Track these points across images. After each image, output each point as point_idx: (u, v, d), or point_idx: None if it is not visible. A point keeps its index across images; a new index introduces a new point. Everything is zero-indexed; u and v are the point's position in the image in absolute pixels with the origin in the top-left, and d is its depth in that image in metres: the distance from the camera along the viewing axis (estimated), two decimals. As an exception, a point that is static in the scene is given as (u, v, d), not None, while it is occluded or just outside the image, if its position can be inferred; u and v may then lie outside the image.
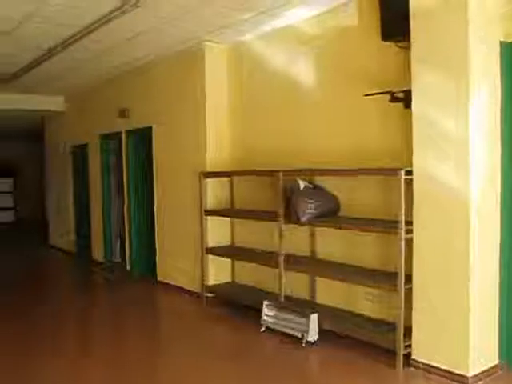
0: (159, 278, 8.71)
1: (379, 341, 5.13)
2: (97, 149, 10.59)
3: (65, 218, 12.35)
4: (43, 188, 20.44)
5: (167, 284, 8.47)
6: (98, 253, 10.85)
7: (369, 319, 5.60)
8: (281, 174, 6.00)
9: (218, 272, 7.59)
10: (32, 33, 6.78)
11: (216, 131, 7.54)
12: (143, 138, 9.08)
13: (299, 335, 5.67)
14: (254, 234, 7.24)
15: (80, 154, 11.35)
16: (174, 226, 8.30)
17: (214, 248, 7.42)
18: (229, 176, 7.51)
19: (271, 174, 6.22)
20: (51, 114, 12.54)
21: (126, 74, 9.28)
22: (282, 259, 6.08)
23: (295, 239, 6.30)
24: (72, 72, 9.29)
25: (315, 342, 5.61)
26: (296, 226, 5.92)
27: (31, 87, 10.71)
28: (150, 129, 8.71)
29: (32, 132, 16.71)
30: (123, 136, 9.54)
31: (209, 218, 7.39)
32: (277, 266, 6.15)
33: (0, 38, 6.97)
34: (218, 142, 7.56)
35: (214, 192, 7.51)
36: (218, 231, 7.56)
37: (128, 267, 9.66)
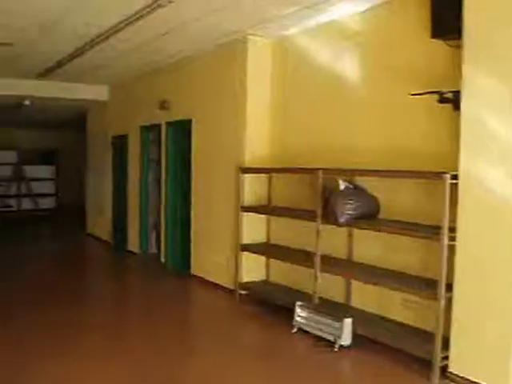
0: (193, 272, 8.65)
1: (415, 350, 4.94)
2: (137, 140, 10.59)
3: (102, 207, 12.41)
4: (83, 176, 20.70)
5: (201, 278, 8.40)
6: (133, 244, 10.86)
7: (405, 326, 5.42)
8: (320, 172, 5.85)
9: (252, 269, 7.47)
10: (75, 21, 6.78)
11: (256, 127, 7.42)
12: (183, 130, 9.02)
13: (332, 339, 5.52)
14: (289, 233, 7.11)
15: (120, 144, 11.37)
16: (209, 221, 8.22)
17: (249, 245, 7.30)
18: (267, 172, 7.37)
19: (311, 172, 6.08)
20: (94, 103, 12.61)
21: (168, 65, 9.24)
22: (318, 260, 5.93)
23: (332, 240, 6.14)
24: (115, 61, 9.29)
25: (348, 346, 5.46)
26: (333, 226, 5.76)
27: (76, 76, 10.78)
28: (189, 121, 8.64)
29: (75, 121, 16.87)
30: (163, 128, 9.51)
31: (245, 214, 7.27)
32: (312, 266, 6.01)
33: (44, 26, 7.01)
34: (258, 138, 7.43)
35: (252, 188, 7.38)
36: (253, 228, 7.44)
37: (163, 259, 9.62)
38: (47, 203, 17.73)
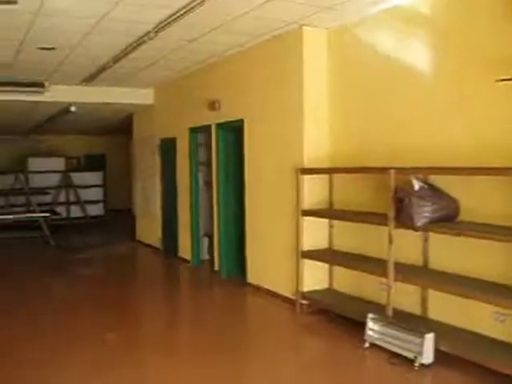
0: (249, 280, 8.19)
1: (509, 369, 4.36)
2: (185, 142, 10.20)
3: (151, 213, 12.09)
4: (131, 182, 20.58)
5: (258, 287, 7.94)
6: (185, 250, 10.47)
7: (496, 342, 4.83)
8: (392, 171, 5.31)
9: (314, 277, 6.96)
10: (118, 20, 6.43)
11: (314, 124, 6.92)
12: (234, 131, 8.62)
13: (411, 356, 4.97)
14: (354, 238, 6.59)
15: (168, 147, 11.01)
16: (266, 226, 7.75)
17: (310, 251, 6.80)
18: (328, 173, 6.86)
19: (381, 171, 5.54)
20: (140, 107, 12.33)
21: (216, 63, 8.84)
22: (391, 267, 5.40)
23: (405, 245, 5.59)
24: (160, 62, 8.95)
25: (430, 364, 4.91)
26: (406, 230, 5.23)
27: (120, 80, 10.51)
28: (241, 121, 8.19)
29: (121, 126, 16.72)
30: (213, 129, 9.09)
31: (305, 218, 6.77)
32: (384, 274, 5.48)
33: (86, 29, 6.70)
34: (316, 136, 6.93)
35: (312, 190, 6.88)
36: (314, 233, 6.93)
37: (216, 267, 9.20)
38: (95, 210, 17.54)
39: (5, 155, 19.58)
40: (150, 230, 12.35)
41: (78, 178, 17.37)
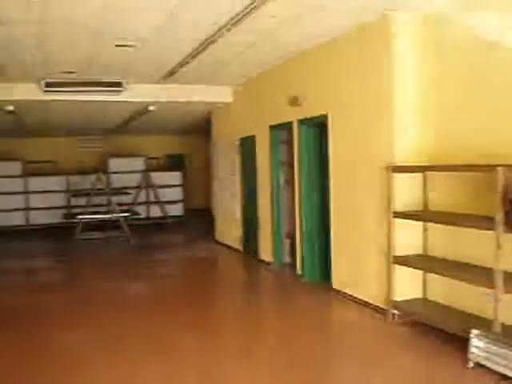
0: (334, 286, 7.70)
1: None
2: (265, 141, 9.81)
3: (231, 213, 11.78)
4: (210, 182, 20.49)
5: (343, 293, 7.44)
6: (265, 252, 10.09)
7: None
8: (501, 169, 4.69)
9: (407, 285, 6.39)
10: (192, 14, 6.12)
11: (406, 118, 6.35)
12: (317, 127, 8.18)
13: (526, 379, 4.36)
14: (452, 243, 5.97)
15: (248, 146, 10.66)
16: (353, 228, 7.24)
17: (402, 257, 6.22)
18: (424, 171, 6.25)
19: (487, 169, 4.92)
20: (219, 105, 12.05)
21: (297, 57, 8.40)
22: (499, 277, 4.78)
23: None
24: (238, 58, 8.59)
25: (549, 390, 4.28)
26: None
27: (197, 78, 10.25)
28: (324, 117, 7.71)
29: (200, 125, 16.56)
30: (294, 126, 8.64)
31: (397, 220, 6.21)
32: (490, 285, 4.86)
33: (161, 24, 6.40)
34: (408, 131, 6.36)
35: (404, 190, 6.31)
36: (407, 237, 6.36)
37: (299, 270, 8.75)
38: (175, 210, 17.48)
39: (87, 156, 19.88)
40: (229, 230, 12.05)
41: (157, 177, 17.35)
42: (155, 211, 17.22)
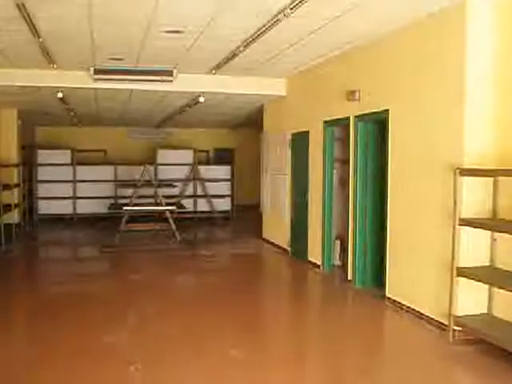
0: (388, 294, 7.18)
1: None
2: (319, 137, 9.31)
3: (280, 211, 11.34)
4: (259, 177, 20.09)
5: (399, 303, 6.91)
6: (315, 254, 9.61)
7: None
8: None
9: (470, 299, 5.83)
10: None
11: (477, 116, 5.78)
12: (376, 123, 7.70)
13: None
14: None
15: (300, 142, 10.19)
16: (411, 233, 6.71)
17: (467, 268, 5.67)
18: (496, 175, 5.66)
19: None
20: (272, 98, 11.63)
21: (356, 48, 7.91)
22: None
23: None
24: (293, 48, 8.16)
25: None
26: None
27: (250, 69, 9.85)
28: (385, 113, 7.19)
29: (250, 119, 16.17)
30: (351, 122, 8.13)
31: (463, 228, 5.65)
32: None
33: (217, 4, 5.99)
34: (480, 130, 5.79)
35: (472, 195, 5.75)
36: (472, 247, 5.80)
37: (349, 275, 8.26)
38: (222, 205, 17.14)
39: (137, 147, 19.77)
40: (277, 228, 11.60)
41: (206, 171, 17.05)
42: (202, 205, 16.94)
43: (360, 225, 8.02)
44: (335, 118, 8.70)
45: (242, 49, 7.99)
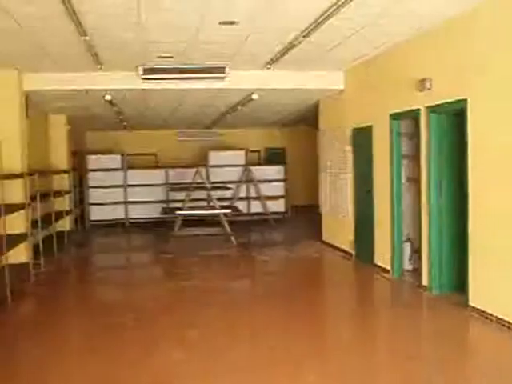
0: (471, 303, 6.46)
1: None
2: (384, 131, 8.64)
3: (341, 212, 10.69)
4: (314, 177, 19.49)
5: (485, 313, 6.19)
6: (381, 257, 8.94)
7: None
8: None
9: None
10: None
11: None
12: (452, 115, 7.02)
13: None
14: None
15: (362, 138, 9.52)
16: (500, 234, 5.99)
17: None
18: None
19: None
20: (327, 93, 10.98)
21: (426, 33, 7.20)
22: None
23: None
24: (352, 37, 7.59)
25: None
26: None
27: (305, 63, 9.33)
28: (463, 103, 6.48)
29: (303, 117, 15.60)
30: (422, 114, 7.45)
31: None
32: None
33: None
34: None
35: None
36: None
37: (424, 280, 7.57)
38: (276, 206, 16.56)
39: (187, 149, 19.44)
40: (339, 230, 10.94)
41: (258, 172, 16.50)
42: (256, 207, 16.41)
43: (435, 226, 7.33)
44: (403, 110, 8.01)
45: (300, 40, 7.40)
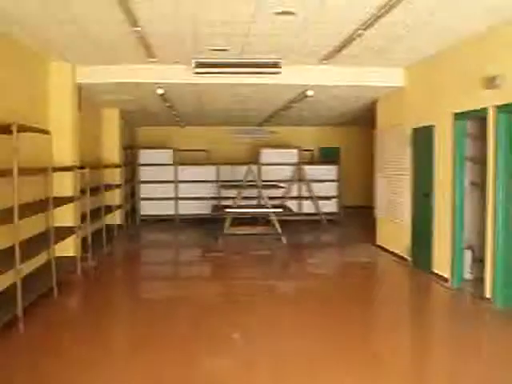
0: (541, 319, 5.96)
1: None
2: (447, 131, 8.15)
3: (398, 215, 10.22)
4: (368, 178, 19.00)
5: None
6: (440, 265, 8.45)
7: None
8: None
9: None
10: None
11: None
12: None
13: None
14: None
15: (422, 138, 9.04)
16: None
17: None
18: None
19: None
20: (387, 90, 10.53)
21: (496, 29, 6.73)
22: None
23: None
24: (415, 30, 7.11)
25: None
26: None
27: (363, 58, 8.92)
28: (538, 102, 5.98)
29: (358, 115, 15.15)
30: (490, 114, 6.94)
31: None
32: None
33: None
34: None
35: None
36: None
37: (487, 292, 7.07)
38: (328, 206, 16.10)
39: (239, 147, 19.26)
40: (394, 234, 10.47)
41: (311, 171, 16.08)
42: (307, 207, 16.02)
43: (503, 233, 6.82)
44: (469, 109, 7.50)
45: (360, 32, 7.00)
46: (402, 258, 9.96)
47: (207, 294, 7.92)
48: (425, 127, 8.92)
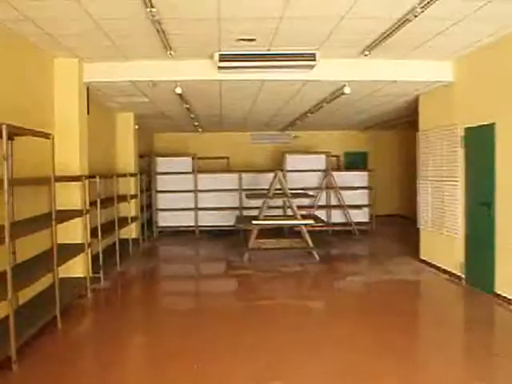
0: None
1: None
2: (510, 131, 7.01)
3: (447, 226, 9.05)
4: (401, 183, 17.84)
5: None
6: (505, 285, 7.28)
7: None
8: None
9: None
10: None
11: None
12: None
13: None
14: None
15: (479, 139, 7.89)
16: None
17: None
18: None
19: None
20: (433, 86, 9.37)
21: None
22: None
23: None
24: (467, 19, 5.99)
25: None
26: None
27: (406, 51, 7.89)
28: None
29: (390, 117, 13.99)
30: None
31: None
32: None
33: None
34: None
35: None
36: None
37: None
38: (359, 216, 14.92)
39: (261, 153, 18.29)
40: (443, 248, 9.28)
41: (338, 178, 14.91)
42: (337, 216, 14.86)
43: None
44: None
45: (410, 17, 5.90)
46: (453, 275, 8.78)
47: (232, 318, 6.87)
48: (482, 126, 7.76)
